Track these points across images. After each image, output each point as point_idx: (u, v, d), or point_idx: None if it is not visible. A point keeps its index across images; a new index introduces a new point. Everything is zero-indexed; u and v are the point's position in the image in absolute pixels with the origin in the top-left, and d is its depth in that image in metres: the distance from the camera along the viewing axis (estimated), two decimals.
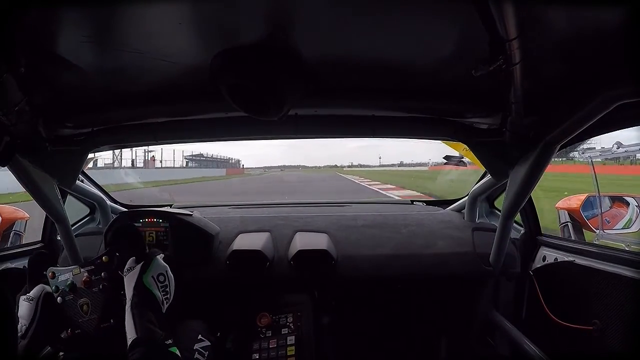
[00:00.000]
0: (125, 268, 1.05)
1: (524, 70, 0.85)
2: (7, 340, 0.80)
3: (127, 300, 0.99)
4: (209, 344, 1.25)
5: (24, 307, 1.07)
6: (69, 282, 1.11)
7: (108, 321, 1.09)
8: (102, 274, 1.10)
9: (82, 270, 1.12)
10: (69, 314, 1.10)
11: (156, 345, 0.91)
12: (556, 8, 0.74)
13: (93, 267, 1.12)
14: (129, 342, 0.91)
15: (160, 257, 1.10)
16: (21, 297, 1.10)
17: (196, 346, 1.21)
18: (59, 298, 1.11)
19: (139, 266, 1.04)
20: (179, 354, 0.93)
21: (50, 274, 1.13)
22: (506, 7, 0.67)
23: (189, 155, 33.17)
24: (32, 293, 1.10)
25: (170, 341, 0.93)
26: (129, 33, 0.84)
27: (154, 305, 1.01)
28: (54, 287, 1.12)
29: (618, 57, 0.86)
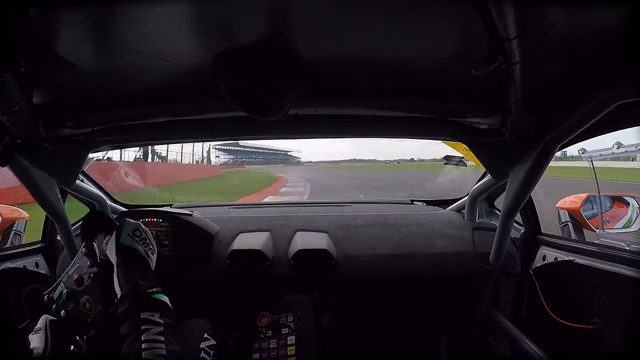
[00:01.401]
0: (101, 245, 1.07)
1: (523, 69, 0.85)
2: (8, 338, 0.80)
3: (114, 267, 1.01)
4: (215, 343, 1.25)
5: (35, 340, 1.04)
6: (64, 292, 1.10)
7: (113, 304, 1.09)
8: (87, 264, 1.10)
9: (69, 274, 1.11)
10: (77, 321, 1.09)
11: (140, 295, 0.93)
12: (556, 8, 0.73)
13: (78, 265, 1.12)
14: (119, 297, 0.93)
15: (129, 219, 1.11)
16: (30, 335, 1.07)
17: (202, 345, 1.22)
18: (62, 312, 1.09)
19: (113, 235, 1.06)
20: (165, 300, 0.95)
21: (45, 299, 1.11)
22: (506, 6, 0.67)
23: (221, 146, 31.66)
24: (37, 325, 1.07)
25: (155, 289, 0.95)
26: (129, 33, 0.84)
27: (138, 259, 1.03)
28: (54, 307, 1.10)
29: (618, 57, 0.86)
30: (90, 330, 1.08)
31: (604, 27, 0.78)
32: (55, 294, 1.11)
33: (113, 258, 1.03)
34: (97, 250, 1.11)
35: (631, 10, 0.72)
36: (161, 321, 0.88)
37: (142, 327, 0.85)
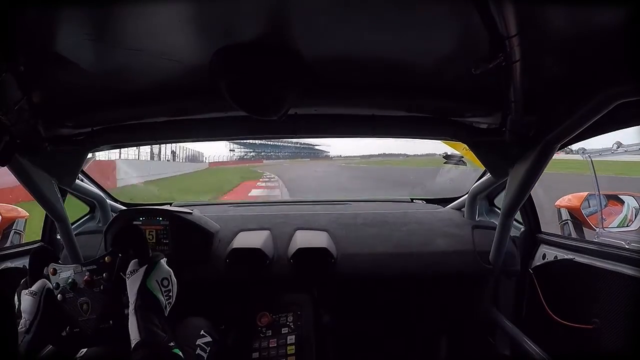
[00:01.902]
0: (128, 270, 1.04)
1: (523, 68, 0.85)
2: (8, 338, 0.80)
3: (130, 303, 0.99)
4: (211, 339, 1.25)
5: (27, 301, 1.07)
6: (70, 280, 1.11)
7: (107, 322, 1.09)
8: (104, 274, 1.10)
9: (83, 269, 1.12)
10: (69, 312, 1.10)
11: (159, 347, 0.91)
12: (556, 6, 0.73)
13: (95, 267, 1.11)
14: (133, 343, 0.91)
15: (164, 261, 1.09)
16: (23, 291, 1.10)
17: (198, 341, 1.21)
18: (59, 295, 1.10)
19: (142, 269, 1.03)
20: (182, 355, 0.93)
21: (51, 270, 1.12)
22: (506, 4, 0.67)
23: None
24: (34, 287, 1.09)
25: (173, 343, 0.93)
26: (129, 31, 0.84)
27: (157, 308, 1.00)
28: (54, 284, 1.11)
29: (618, 56, 0.86)
30: (75, 328, 1.09)
31: (604, 26, 0.78)
32: (62, 275, 1.12)
33: (132, 294, 1.00)
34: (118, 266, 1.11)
35: (631, 9, 0.71)
36: None
37: None
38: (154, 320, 0.95)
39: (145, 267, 1.03)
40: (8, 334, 0.83)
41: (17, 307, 1.08)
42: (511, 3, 0.67)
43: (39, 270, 1.14)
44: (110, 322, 1.09)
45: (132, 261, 1.05)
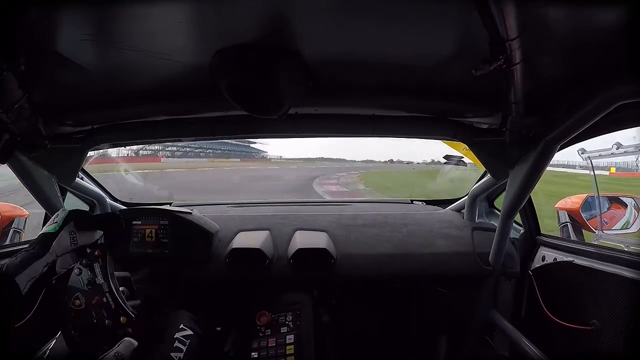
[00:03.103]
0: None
1: (524, 70, 0.85)
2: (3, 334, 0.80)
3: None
4: (191, 333, 1.24)
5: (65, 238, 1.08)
6: (92, 279, 1.10)
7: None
8: (107, 321, 1.08)
9: (106, 292, 1.09)
10: (86, 312, 1.09)
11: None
12: (557, 8, 0.73)
13: (112, 306, 1.09)
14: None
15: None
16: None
17: (177, 335, 1.20)
18: (77, 269, 1.10)
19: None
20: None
21: (97, 252, 1.11)
22: (507, 6, 0.67)
23: None
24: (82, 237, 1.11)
25: None
26: (129, 31, 0.84)
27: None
28: (81, 261, 1.10)
29: (618, 57, 0.86)
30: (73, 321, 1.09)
31: (605, 27, 0.78)
32: (85, 271, 1.11)
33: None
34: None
35: (632, 10, 0.72)
36: None
37: None
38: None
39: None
40: (7, 332, 0.83)
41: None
42: (512, 5, 0.67)
43: (112, 228, 1.16)
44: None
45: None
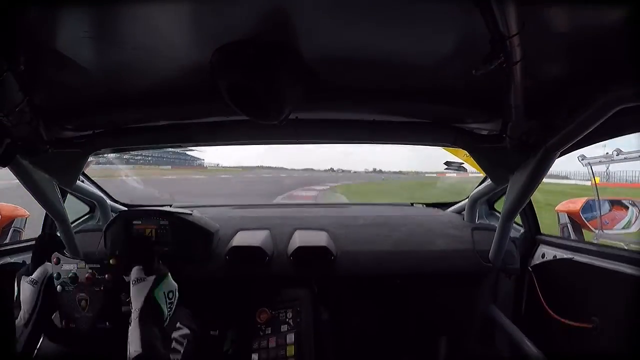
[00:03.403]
0: (134, 277, 1.04)
1: (524, 70, 0.84)
2: (7, 333, 0.81)
3: (134, 310, 0.99)
4: (188, 332, 1.25)
5: (27, 290, 1.08)
6: (72, 273, 1.12)
7: (104, 322, 1.10)
8: (106, 275, 1.10)
9: (86, 266, 1.12)
10: (66, 305, 1.11)
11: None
12: (557, 5, 0.73)
13: (98, 266, 1.12)
14: (133, 354, 0.91)
15: (170, 277, 1.10)
16: (23, 277, 1.10)
17: (174, 334, 1.21)
18: (58, 286, 1.11)
19: (151, 279, 1.04)
20: None
21: (54, 259, 1.13)
22: (508, 2, 0.67)
23: None
24: (35, 275, 1.10)
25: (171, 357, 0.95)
26: (130, 32, 0.83)
27: (159, 319, 1.01)
28: (55, 274, 1.12)
29: (618, 59, 0.85)
30: (71, 322, 1.10)
31: (605, 27, 0.77)
32: (64, 267, 1.13)
33: (139, 301, 1.01)
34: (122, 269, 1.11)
35: (632, 12, 0.71)
36: None
37: None
38: (155, 331, 0.96)
39: (154, 277, 1.04)
40: (6, 329, 0.84)
41: (15, 294, 1.09)
42: (513, 1, 0.67)
43: (42, 256, 1.15)
44: (107, 323, 1.09)
45: (136, 268, 1.06)
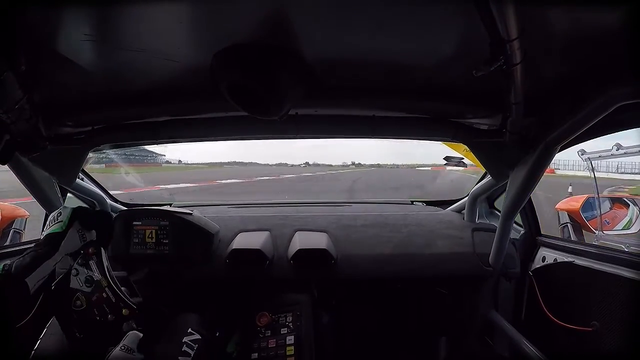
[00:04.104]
0: (123, 344, 1.05)
1: (524, 71, 0.85)
2: (6, 333, 0.81)
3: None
4: (199, 337, 1.25)
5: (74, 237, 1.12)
6: (89, 283, 1.11)
7: (81, 333, 1.10)
8: (109, 316, 1.10)
9: (106, 287, 1.12)
10: (86, 311, 1.11)
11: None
12: (557, 9, 0.73)
13: (113, 300, 1.12)
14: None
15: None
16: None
17: (185, 339, 1.21)
18: (74, 270, 1.12)
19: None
20: None
21: (91, 250, 1.13)
22: (507, 7, 0.67)
23: None
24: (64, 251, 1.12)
25: None
26: (130, 32, 0.84)
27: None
28: (74, 270, 1.12)
29: (619, 58, 0.86)
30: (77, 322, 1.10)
31: (605, 28, 0.78)
32: (87, 271, 1.12)
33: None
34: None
35: (633, 11, 0.71)
36: None
37: None
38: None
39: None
40: (7, 332, 0.83)
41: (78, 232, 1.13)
42: (512, 6, 0.67)
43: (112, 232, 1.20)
44: (80, 335, 1.10)
45: (131, 334, 1.08)
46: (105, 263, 1.13)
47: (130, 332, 1.05)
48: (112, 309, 1.10)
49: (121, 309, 1.10)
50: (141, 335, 1.05)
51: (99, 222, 1.20)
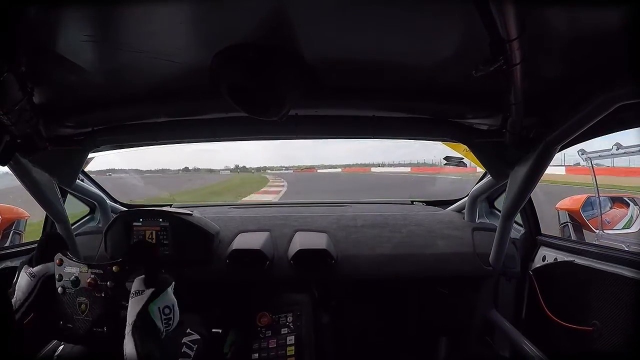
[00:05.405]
0: (134, 289, 1.01)
1: (524, 71, 0.85)
2: (5, 335, 0.81)
3: (128, 324, 0.97)
4: (199, 337, 1.24)
5: (24, 280, 1.08)
6: (74, 277, 1.10)
7: (101, 327, 1.08)
8: (108, 282, 1.09)
9: (89, 270, 1.11)
10: (65, 307, 1.10)
11: None
12: (557, 9, 0.73)
13: (101, 272, 1.10)
14: None
15: (171, 289, 1.06)
16: (25, 266, 1.10)
17: (184, 340, 1.21)
18: (59, 288, 1.10)
19: (149, 292, 1.00)
20: None
21: (57, 260, 1.12)
22: (507, 7, 0.67)
23: None
24: (36, 270, 1.10)
25: None
26: (130, 32, 0.84)
27: (153, 334, 0.99)
28: (57, 275, 1.11)
29: (619, 58, 0.86)
30: (68, 323, 1.09)
31: (605, 28, 0.78)
32: (67, 269, 1.11)
33: (132, 315, 0.98)
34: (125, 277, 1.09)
35: (633, 11, 0.71)
36: None
37: None
38: (149, 343, 0.94)
39: (152, 290, 1.01)
40: (7, 333, 0.83)
41: (14, 280, 1.10)
42: (512, 6, 0.67)
43: (47, 254, 1.14)
44: (105, 328, 1.08)
45: (138, 279, 1.03)
46: (74, 259, 1.13)
47: (135, 279, 1.03)
48: (104, 278, 1.09)
49: (111, 272, 1.09)
50: (143, 276, 1.02)
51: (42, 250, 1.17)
